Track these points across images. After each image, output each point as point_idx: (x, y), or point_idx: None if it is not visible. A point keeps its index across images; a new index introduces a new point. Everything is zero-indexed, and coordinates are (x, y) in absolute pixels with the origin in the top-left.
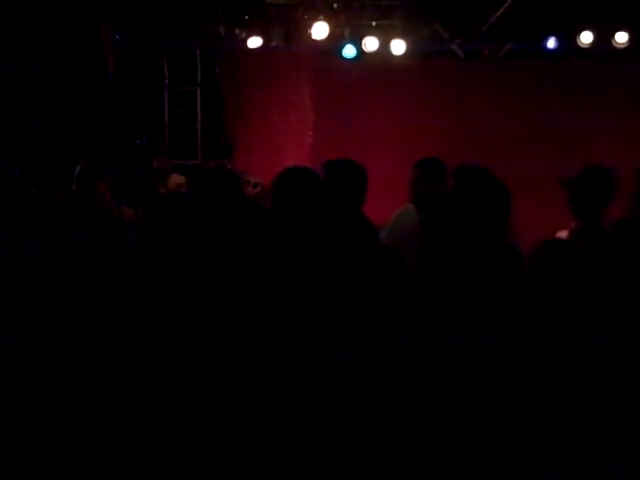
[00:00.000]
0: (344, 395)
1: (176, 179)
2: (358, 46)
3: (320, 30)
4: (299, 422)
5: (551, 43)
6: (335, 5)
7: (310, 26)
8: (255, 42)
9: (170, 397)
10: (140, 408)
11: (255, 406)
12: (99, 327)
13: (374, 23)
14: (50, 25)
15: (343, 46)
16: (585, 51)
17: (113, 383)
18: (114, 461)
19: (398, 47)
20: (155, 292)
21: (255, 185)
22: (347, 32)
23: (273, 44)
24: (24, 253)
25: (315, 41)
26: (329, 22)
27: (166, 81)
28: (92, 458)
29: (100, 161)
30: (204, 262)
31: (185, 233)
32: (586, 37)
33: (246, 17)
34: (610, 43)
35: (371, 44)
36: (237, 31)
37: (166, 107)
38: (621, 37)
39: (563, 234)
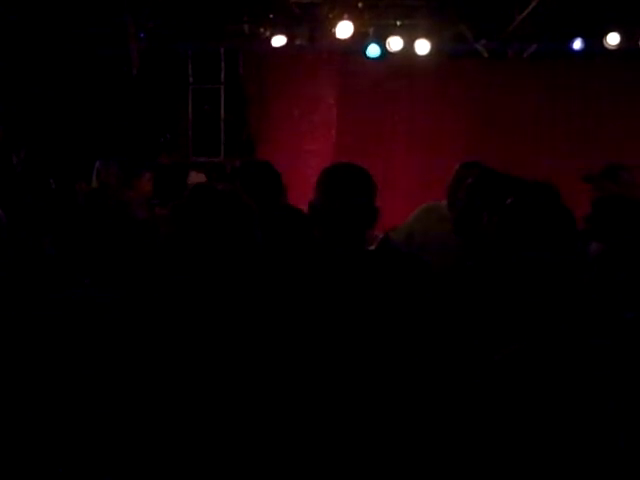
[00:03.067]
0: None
1: (195, 177)
2: (382, 46)
3: (344, 29)
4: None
5: (577, 44)
6: (360, 4)
7: (334, 25)
8: (279, 41)
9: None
10: (142, 408)
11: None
12: (111, 330)
13: (398, 23)
14: (76, 23)
15: (367, 45)
16: (612, 52)
17: (114, 382)
18: (113, 461)
19: (422, 47)
20: (179, 290)
21: None
22: (371, 31)
23: (297, 43)
24: (41, 252)
25: (339, 40)
26: (353, 21)
27: (190, 79)
28: (91, 458)
29: (124, 157)
30: (231, 258)
31: (213, 228)
32: (613, 38)
33: (270, 16)
34: (637, 44)
35: (395, 44)
36: (261, 30)
37: (190, 105)
38: None
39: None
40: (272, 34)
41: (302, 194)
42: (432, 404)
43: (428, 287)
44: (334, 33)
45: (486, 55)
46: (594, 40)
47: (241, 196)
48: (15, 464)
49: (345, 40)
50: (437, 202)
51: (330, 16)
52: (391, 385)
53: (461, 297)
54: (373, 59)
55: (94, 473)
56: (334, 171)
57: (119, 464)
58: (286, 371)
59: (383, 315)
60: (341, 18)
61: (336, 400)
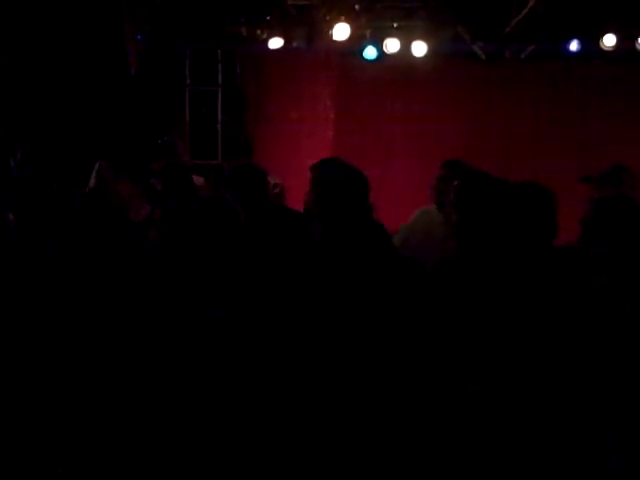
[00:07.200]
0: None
1: (194, 180)
2: (379, 47)
3: (341, 31)
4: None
5: (574, 45)
6: (357, 6)
7: (331, 27)
8: (276, 43)
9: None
10: (141, 407)
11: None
12: (105, 325)
13: (395, 24)
14: (73, 25)
15: (364, 47)
16: (608, 54)
17: (114, 382)
18: (113, 461)
19: (419, 49)
20: (167, 292)
21: (275, 186)
22: (368, 33)
23: (294, 45)
24: (45, 252)
25: (336, 42)
26: (350, 23)
27: (187, 81)
28: (91, 458)
29: (122, 159)
30: (217, 265)
31: (199, 237)
32: (609, 40)
33: (267, 18)
34: (634, 45)
35: (392, 45)
36: (258, 32)
37: (187, 107)
38: None
39: None
40: (269, 36)
41: (301, 195)
42: (429, 401)
43: (423, 286)
44: (331, 35)
45: (483, 56)
46: (591, 41)
47: (226, 201)
48: (15, 464)
49: (342, 42)
50: (430, 207)
51: (327, 18)
52: (388, 384)
53: (456, 295)
54: (370, 61)
55: (93, 473)
56: (325, 169)
57: (118, 463)
58: (284, 370)
59: (378, 313)
60: (338, 20)
61: (337, 399)
